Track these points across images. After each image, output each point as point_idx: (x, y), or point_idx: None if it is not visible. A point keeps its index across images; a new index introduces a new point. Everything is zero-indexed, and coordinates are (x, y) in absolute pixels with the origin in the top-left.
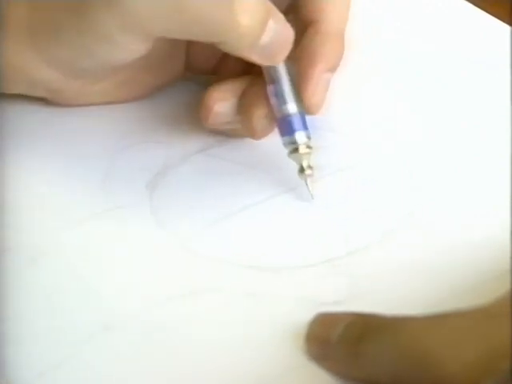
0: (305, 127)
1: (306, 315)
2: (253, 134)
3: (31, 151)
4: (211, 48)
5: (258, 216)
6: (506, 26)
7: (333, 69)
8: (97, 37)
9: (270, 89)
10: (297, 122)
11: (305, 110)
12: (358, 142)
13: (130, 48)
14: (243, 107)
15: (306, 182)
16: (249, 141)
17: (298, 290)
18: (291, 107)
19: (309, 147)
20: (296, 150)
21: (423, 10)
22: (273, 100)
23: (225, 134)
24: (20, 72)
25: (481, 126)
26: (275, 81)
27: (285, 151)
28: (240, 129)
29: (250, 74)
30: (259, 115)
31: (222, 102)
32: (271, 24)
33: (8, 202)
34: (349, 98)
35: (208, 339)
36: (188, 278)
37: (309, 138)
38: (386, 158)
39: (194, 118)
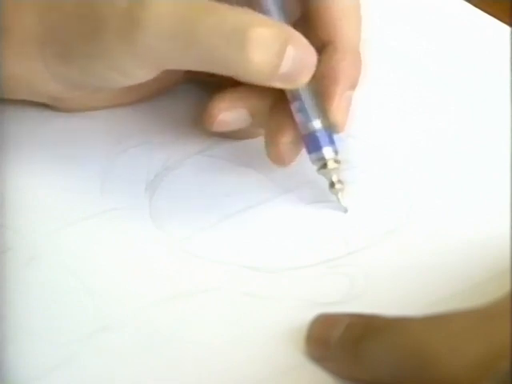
0: (331, 142)
1: (305, 316)
2: (281, 162)
3: (31, 152)
4: None
5: (258, 217)
6: (506, 27)
7: (353, 86)
8: (108, 66)
9: (293, 106)
10: (323, 138)
11: (330, 128)
12: (358, 143)
13: (140, 77)
14: (268, 135)
15: (337, 196)
16: (248, 142)
17: (298, 291)
18: (316, 123)
19: (337, 162)
20: (325, 165)
21: (423, 11)
22: (298, 117)
23: (230, 136)
24: (23, 81)
25: (481, 126)
26: (298, 98)
27: (313, 167)
28: (245, 134)
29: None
30: (286, 141)
31: (227, 111)
32: (290, 51)
33: (7, 202)
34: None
35: (207, 340)
36: (187, 278)
37: (336, 152)
38: (386, 158)
39: (193, 119)
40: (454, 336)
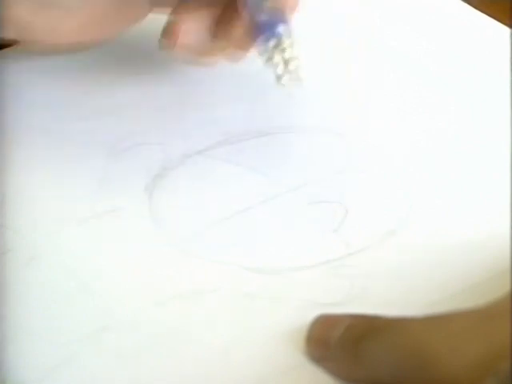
0: (284, 21)
1: (306, 316)
2: (237, 47)
3: (31, 152)
4: None
5: (258, 217)
6: (506, 28)
7: None
8: None
9: None
10: (273, 20)
11: (282, 8)
12: (358, 144)
13: None
14: (219, 30)
15: (294, 71)
16: (248, 142)
17: (299, 291)
18: (266, 6)
19: (290, 38)
20: (277, 45)
21: (423, 12)
22: (247, 2)
23: (191, 60)
24: None
25: (481, 126)
26: None
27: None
28: (211, 52)
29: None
30: (238, 33)
31: (187, 32)
32: None
33: (7, 202)
34: (349, 100)
35: (207, 340)
36: (187, 279)
37: (288, 30)
38: (386, 158)
39: (193, 119)
40: (454, 336)
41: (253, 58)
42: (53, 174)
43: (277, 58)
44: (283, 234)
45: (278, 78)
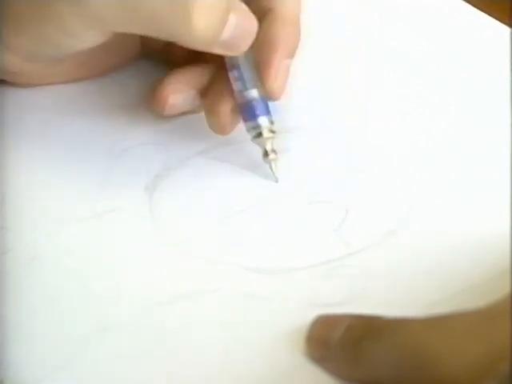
0: (267, 112)
1: (306, 316)
2: (222, 131)
3: (31, 152)
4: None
5: (258, 218)
6: (506, 27)
7: (291, 55)
8: (57, 29)
9: (232, 75)
10: (260, 107)
11: (268, 96)
12: (358, 144)
13: (90, 40)
14: (208, 104)
15: (270, 165)
16: (248, 143)
17: (298, 292)
18: (253, 92)
19: (272, 131)
20: (260, 134)
21: (423, 12)
22: (235, 86)
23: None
24: None
25: (481, 126)
26: (237, 67)
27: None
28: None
29: (206, 63)
30: (225, 110)
31: (176, 94)
32: (232, 19)
33: (7, 203)
34: (349, 100)
35: (207, 340)
36: (187, 279)
37: (271, 122)
38: (386, 158)
39: (193, 120)
40: (454, 336)
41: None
42: (53, 174)
43: (265, 134)
44: (283, 234)
45: (264, 155)
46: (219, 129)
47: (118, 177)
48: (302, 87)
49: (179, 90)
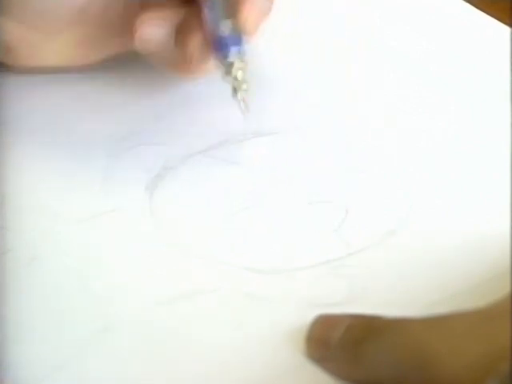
0: (239, 44)
1: (306, 316)
2: (189, 64)
3: (31, 152)
4: None
5: (258, 217)
6: (506, 27)
7: None
8: None
9: (203, 7)
10: (231, 39)
11: (241, 30)
12: (358, 144)
13: None
14: (179, 37)
15: (242, 97)
16: (248, 142)
17: (298, 292)
18: (225, 24)
19: (243, 62)
20: (229, 67)
21: (423, 12)
22: (208, 16)
23: (161, 67)
24: None
25: (481, 126)
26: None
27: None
28: (175, 61)
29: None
30: (195, 43)
31: (152, 26)
32: None
33: (8, 202)
34: (349, 100)
35: (207, 340)
36: (187, 279)
37: (242, 54)
38: (386, 158)
39: (193, 119)
40: (454, 337)
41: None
42: (53, 174)
43: (233, 74)
44: (283, 234)
45: (233, 92)
46: (186, 65)
47: (118, 176)
48: (302, 87)
49: (155, 24)
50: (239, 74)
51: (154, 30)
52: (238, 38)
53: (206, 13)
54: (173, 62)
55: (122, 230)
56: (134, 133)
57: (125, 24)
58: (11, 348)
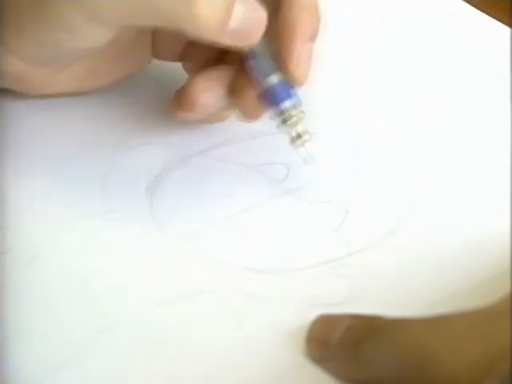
0: (290, 96)
1: (306, 317)
2: (250, 116)
3: (31, 153)
4: (177, 34)
5: (258, 217)
6: (506, 28)
7: (313, 38)
8: (59, 28)
9: (251, 64)
10: (281, 92)
11: (292, 81)
12: (358, 144)
13: (93, 37)
14: (235, 93)
15: (303, 147)
16: (249, 143)
17: (298, 292)
18: (273, 78)
19: (301, 113)
20: (285, 120)
21: (423, 12)
22: (256, 74)
23: (202, 122)
24: None
25: (481, 126)
26: (254, 56)
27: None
28: (220, 116)
29: (229, 59)
30: (251, 96)
31: (206, 93)
32: (238, 9)
33: (8, 203)
34: (349, 100)
35: (208, 341)
36: (188, 279)
37: (296, 105)
38: (386, 158)
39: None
40: (454, 337)
41: None
42: (53, 174)
43: (289, 123)
44: (283, 233)
45: (291, 142)
46: (248, 115)
47: (118, 177)
48: (301, 87)
49: (209, 89)
50: (299, 127)
51: (209, 95)
52: (289, 89)
53: (253, 69)
54: (221, 119)
55: (122, 230)
56: (134, 133)
57: (136, 48)
58: (11, 348)
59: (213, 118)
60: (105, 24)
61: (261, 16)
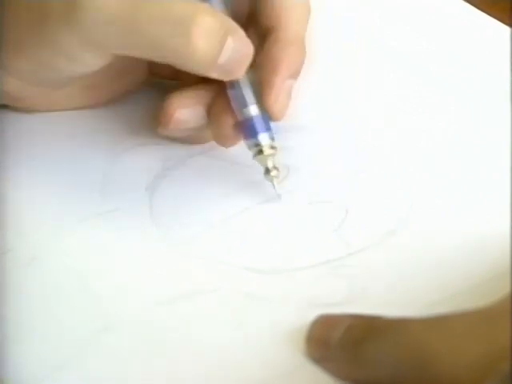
0: (267, 129)
1: (306, 317)
2: (224, 142)
3: (31, 153)
4: None
5: (258, 217)
6: (506, 28)
7: (295, 75)
8: (56, 52)
9: (230, 94)
10: (259, 124)
11: (269, 116)
12: (358, 144)
13: (91, 62)
14: (213, 116)
15: (272, 182)
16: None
17: (298, 292)
18: (252, 110)
19: (273, 148)
20: (260, 151)
21: (423, 12)
22: (234, 104)
23: (184, 141)
24: None
25: (481, 126)
26: (235, 86)
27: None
28: (201, 136)
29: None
30: (228, 123)
31: (183, 109)
32: (229, 43)
33: (8, 203)
34: (348, 100)
35: (208, 341)
36: (188, 279)
37: (272, 139)
38: (386, 158)
39: None
40: (454, 337)
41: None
42: (53, 174)
43: (266, 151)
44: (283, 234)
45: (265, 173)
46: (222, 141)
47: (118, 177)
48: (301, 87)
49: (186, 105)
50: (269, 163)
51: (185, 111)
52: (266, 122)
53: (232, 98)
54: (203, 140)
55: (122, 230)
56: (135, 133)
57: (133, 66)
58: (11, 348)
59: (194, 139)
60: (99, 51)
61: (248, 51)
